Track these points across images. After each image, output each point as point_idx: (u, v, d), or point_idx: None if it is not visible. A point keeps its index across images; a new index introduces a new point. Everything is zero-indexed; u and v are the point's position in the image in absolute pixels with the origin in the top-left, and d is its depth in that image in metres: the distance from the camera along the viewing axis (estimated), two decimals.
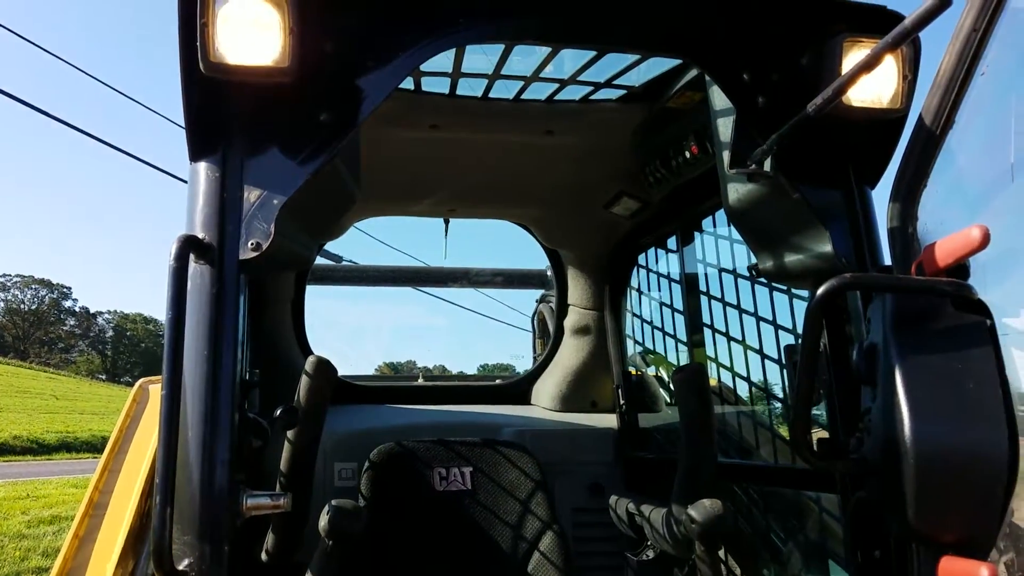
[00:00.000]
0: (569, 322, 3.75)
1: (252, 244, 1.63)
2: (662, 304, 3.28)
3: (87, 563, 2.02)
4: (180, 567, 1.47)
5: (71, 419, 33.46)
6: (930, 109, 1.74)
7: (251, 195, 1.66)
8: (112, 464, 2.33)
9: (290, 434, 1.91)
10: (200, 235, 1.64)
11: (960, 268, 1.65)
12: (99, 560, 2.03)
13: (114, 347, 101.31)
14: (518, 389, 3.80)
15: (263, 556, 1.98)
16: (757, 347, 2.58)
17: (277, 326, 3.32)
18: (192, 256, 1.60)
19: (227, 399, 1.58)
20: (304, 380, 1.91)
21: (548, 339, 4.11)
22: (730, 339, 2.77)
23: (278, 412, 1.76)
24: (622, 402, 3.45)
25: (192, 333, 1.58)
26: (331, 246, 4.02)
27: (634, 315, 3.53)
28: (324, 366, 1.93)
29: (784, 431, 2.75)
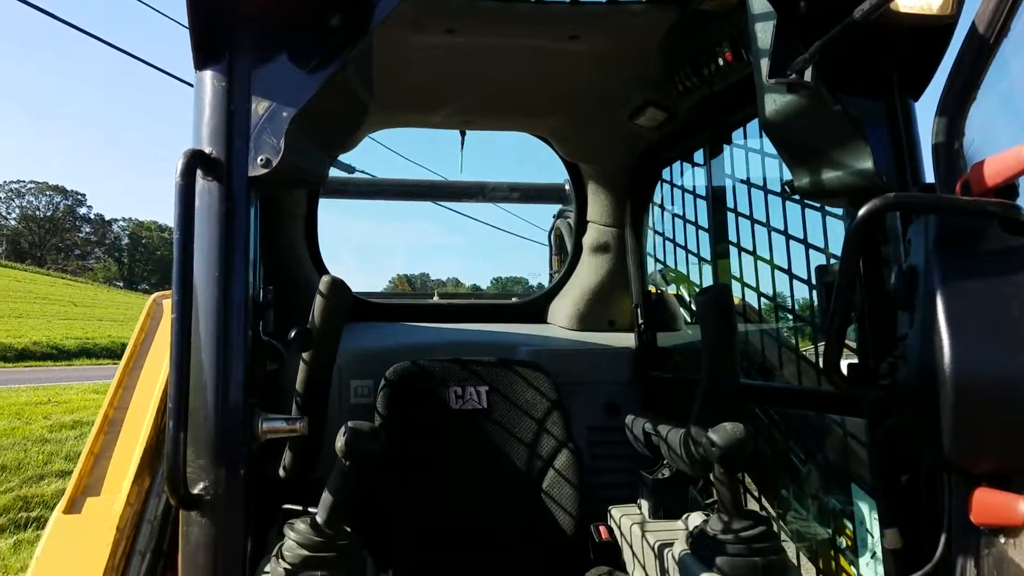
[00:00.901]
0: (588, 239, 3.67)
1: (261, 160, 1.56)
2: (686, 221, 3.19)
3: (103, 479, 2.02)
4: (195, 491, 1.44)
5: (90, 326, 33.93)
6: (984, 15, 1.62)
7: (259, 107, 1.57)
8: (127, 380, 2.31)
9: (305, 355, 1.87)
10: (207, 150, 1.56)
11: (1009, 188, 1.56)
12: (115, 477, 2.02)
13: (130, 255, 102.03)
14: (534, 307, 3.75)
15: (280, 472, 1.96)
16: (785, 267, 2.50)
17: (290, 244, 3.26)
18: (200, 172, 1.53)
19: (240, 320, 1.53)
20: (319, 301, 1.86)
21: (565, 256, 4.04)
22: (757, 258, 2.70)
23: (292, 334, 1.72)
24: (641, 321, 3.40)
25: (202, 253, 1.52)
26: (343, 156, 3.92)
27: (656, 232, 3.45)
28: (339, 287, 1.87)
29: (809, 353, 2.70)
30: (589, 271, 3.64)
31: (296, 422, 1.57)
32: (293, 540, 1.94)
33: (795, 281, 2.49)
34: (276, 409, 1.67)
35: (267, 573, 1.97)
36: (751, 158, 2.73)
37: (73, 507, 1.93)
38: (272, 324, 1.73)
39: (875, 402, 1.67)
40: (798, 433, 2.64)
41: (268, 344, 1.65)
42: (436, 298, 4.50)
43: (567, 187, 4.18)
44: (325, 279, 1.88)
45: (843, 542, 2.34)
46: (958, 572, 1.55)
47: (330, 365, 1.92)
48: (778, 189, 2.57)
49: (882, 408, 1.69)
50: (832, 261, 2.27)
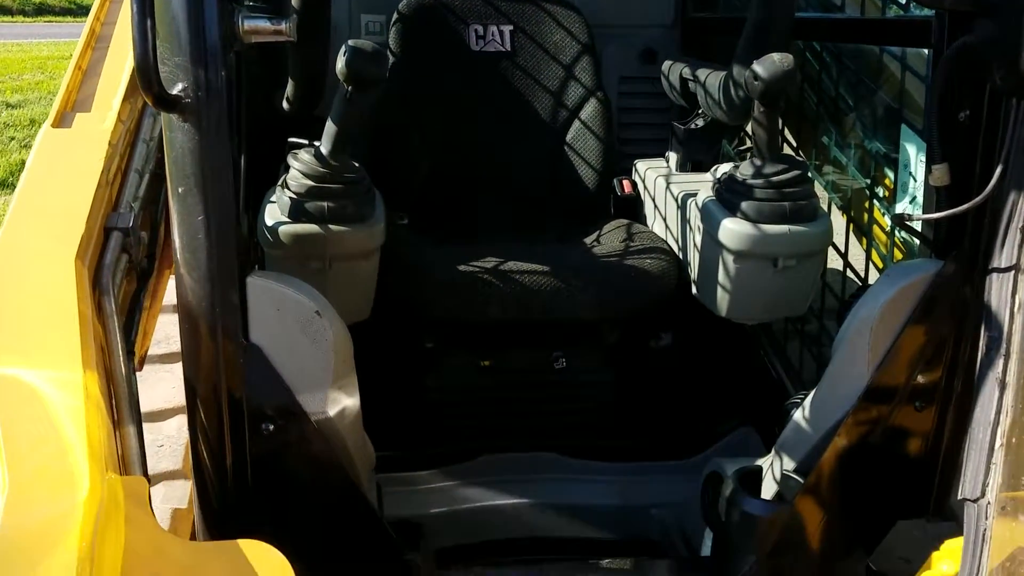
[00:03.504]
0: None
1: None
2: None
3: (92, 96, 1.88)
4: (173, 91, 1.30)
5: None
6: None
7: None
8: None
9: None
10: None
11: None
12: (105, 95, 1.88)
13: None
14: None
15: (284, 105, 1.83)
16: None
17: None
18: None
19: None
20: None
21: None
22: None
23: None
24: None
25: None
26: None
27: None
28: None
29: None
30: None
31: (281, 23, 1.39)
32: (297, 170, 1.84)
33: None
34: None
35: (272, 202, 1.89)
36: None
37: (63, 122, 1.82)
38: None
39: (952, 9, 1.45)
40: (851, 72, 2.41)
41: None
42: None
43: None
44: None
45: (881, 191, 2.22)
46: (1008, 204, 1.44)
47: None
48: None
49: (957, 21, 1.48)
50: None
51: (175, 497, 2.39)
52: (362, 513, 1.54)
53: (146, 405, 2.77)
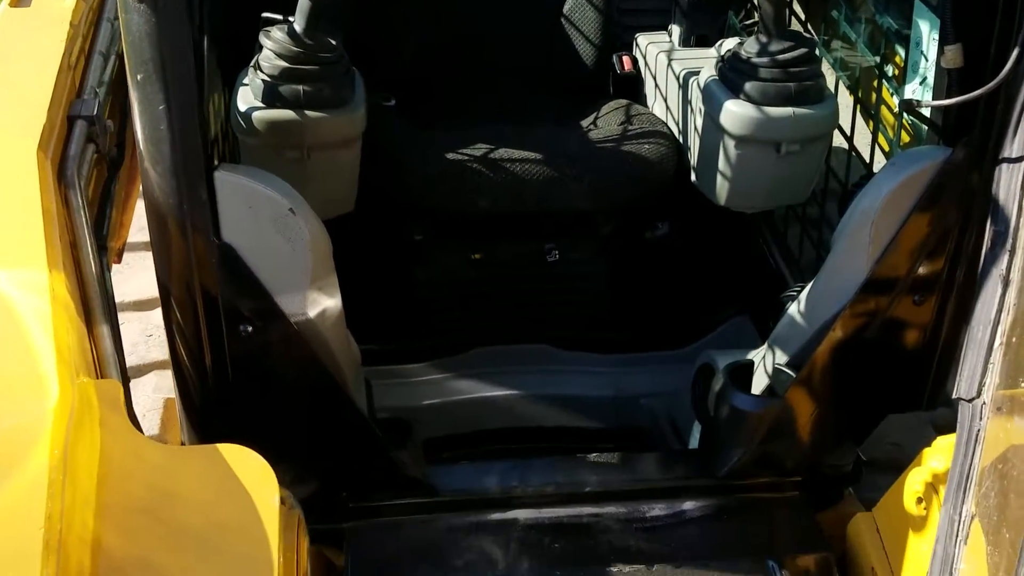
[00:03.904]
0: None
1: None
2: None
3: None
4: None
5: None
6: None
7: None
8: None
9: None
10: None
11: None
12: None
13: None
14: None
15: None
16: None
17: None
18: None
19: None
20: None
21: None
22: None
23: None
24: None
25: None
26: None
27: None
28: None
29: None
30: None
31: None
32: (269, 50, 1.73)
33: None
34: None
35: (245, 85, 1.79)
36: None
37: (20, 0, 1.71)
38: None
39: None
40: None
41: None
42: None
43: None
44: None
45: (890, 70, 2.10)
46: (1023, 91, 1.35)
47: None
48: None
49: None
50: None
51: (167, 387, 2.40)
52: (346, 413, 1.52)
53: (133, 294, 2.76)
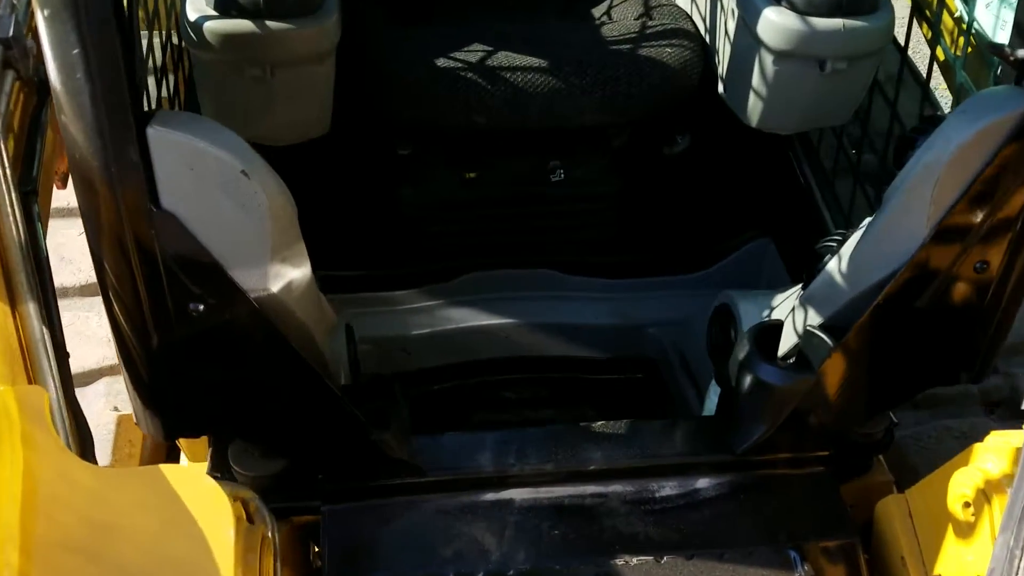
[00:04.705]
0: None
1: None
2: None
3: None
4: None
5: None
6: None
7: None
8: None
9: None
10: None
11: None
12: None
13: None
14: None
15: None
16: None
17: None
18: None
19: None
20: None
21: None
22: None
23: None
24: None
25: None
26: None
27: None
28: None
29: None
30: None
31: None
32: None
33: None
34: None
35: None
36: None
37: None
38: None
39: None
40: None
41: None
42: None
43: None
44: None
45: None
46: None
47: None
48: None
49: None
50: None
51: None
52: (320, 394, 1.32)
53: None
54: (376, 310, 2.11)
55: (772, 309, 1.77)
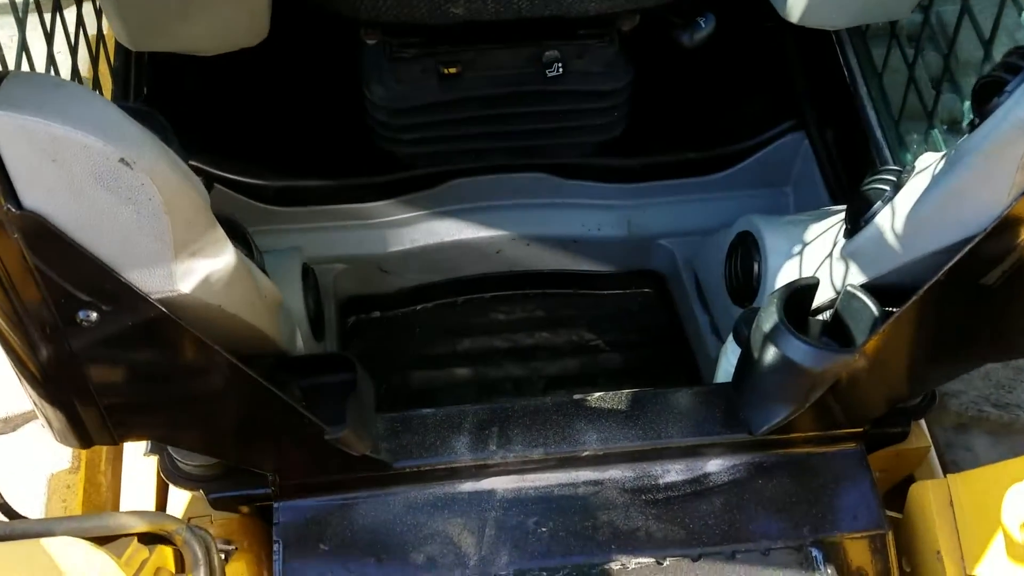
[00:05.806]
0: None
1: None
2: None
3: None
4: None
5: None
6: None
7: None
8: None
9: None
10: None
11: None
12: None
13: None
14: None
15: None
16: None
17: None
18: None
19: None
20: None
21: None
22: None
23: None
24: None
25: None
26: None
27: None
28: None
29: None
30: None
31: None
32: None
33: None
34: None
35: None
36: None
37: None
38: None
39: None
40: None
41: None
42: None
43: None
44: None
45: None
46: None
47: None
48: None
49: None
50: None
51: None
52: (259, 396, 1.10)
53: None
54: (348, 223, 1.86)
55: (805, 245, 1.51)
